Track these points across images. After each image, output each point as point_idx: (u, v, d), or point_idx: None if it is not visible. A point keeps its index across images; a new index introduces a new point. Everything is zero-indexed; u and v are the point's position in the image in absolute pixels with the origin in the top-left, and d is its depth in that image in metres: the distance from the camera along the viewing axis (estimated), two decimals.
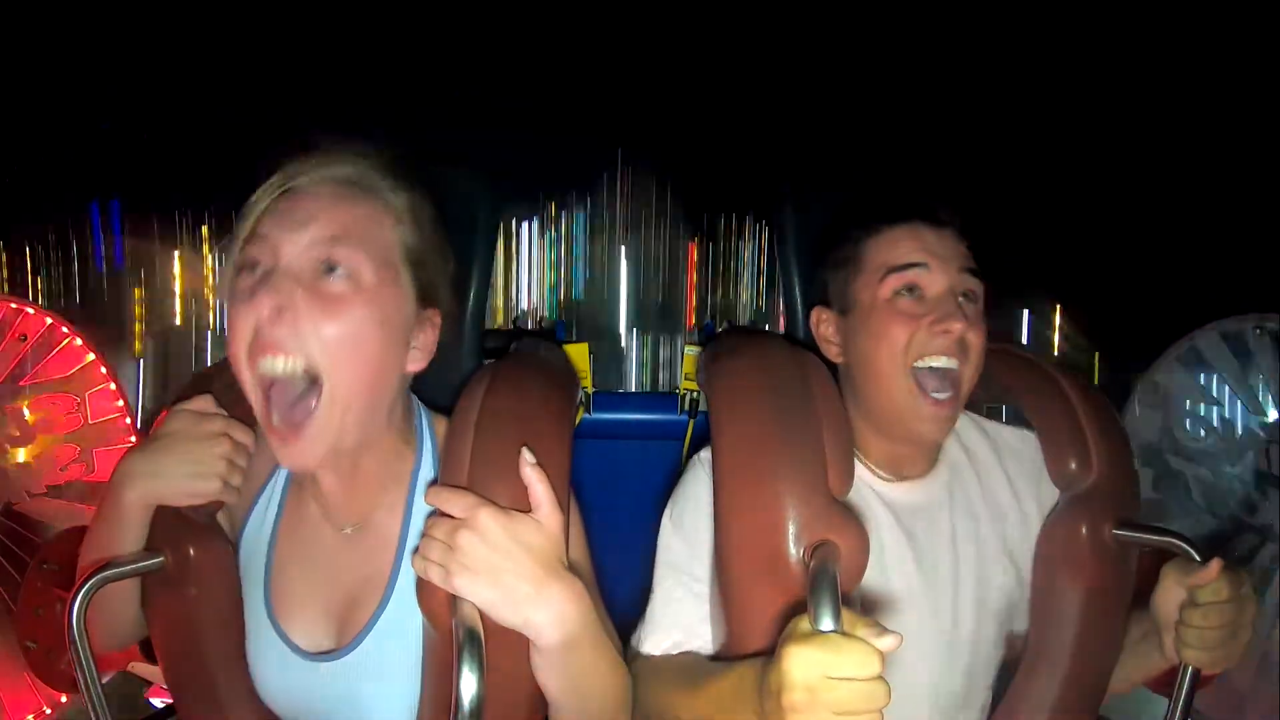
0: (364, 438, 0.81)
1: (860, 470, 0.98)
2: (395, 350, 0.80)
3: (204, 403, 0.89)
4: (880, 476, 1.01)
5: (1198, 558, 0.88)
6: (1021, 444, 1.06)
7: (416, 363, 0.84)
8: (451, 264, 0.89)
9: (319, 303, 0.74)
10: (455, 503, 0.74)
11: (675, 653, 0.93)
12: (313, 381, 0.75)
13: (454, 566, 0.72)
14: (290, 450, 0.76)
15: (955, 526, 1.00)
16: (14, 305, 1.98)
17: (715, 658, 0.90)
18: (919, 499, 1.01)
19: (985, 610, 1.00)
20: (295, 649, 0.86)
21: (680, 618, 0.94)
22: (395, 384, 0.83)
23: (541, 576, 0.73)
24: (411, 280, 0.81)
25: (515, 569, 0.72)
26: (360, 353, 0.76)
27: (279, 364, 0.73)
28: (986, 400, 1.10)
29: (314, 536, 0.89)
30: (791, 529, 0.80)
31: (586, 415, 1.41)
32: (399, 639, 0.83)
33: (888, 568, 0.95)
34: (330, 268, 0.75)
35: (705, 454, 0.98)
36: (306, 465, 0.79)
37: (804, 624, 0.64)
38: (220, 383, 0.93)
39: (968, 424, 1.07)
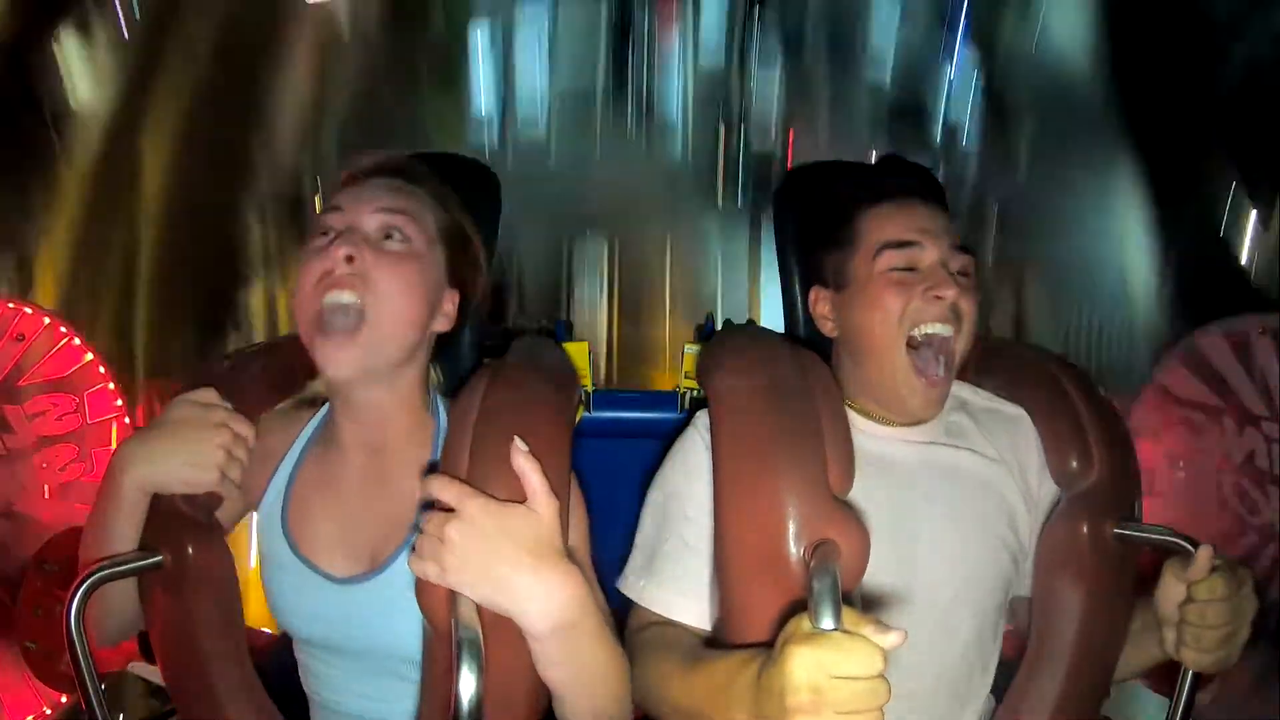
0: (393, 375, 0.92)
1: (851, 417, 0.98)
2: (427, 304, 0.94)
3: (207, 394, 0.92)
4: (869, 419, 1.02)
5: None
6: (1020, 415, 1.07)
7: (440, 325, 0.97)
8: (475, 248, 1.01)
9: (380, 256, 0.89)
10: (447, 491, 0.74)
11: (672, 618, 0.94)
12: (361, 315, 0.88)
13: (447, 560, 0.72)
14: (334, 354, 0.87)
15: (944, 466, 1.00)
16: (11, 305, 1.97)
17: (711, 643, 0.90)
18: (907, 437, 1.01)
19: (978, 551, 0.99)
20: (321, 574, 0.91)
21: (675, 577, 0.94)
22: (423, 334, 0.95)
23: (534, 565, 0.73)
24: (444, 255, 0.96)
25: (506, 559, 0.72)
26: (403, 296, 0.90)
27: (342, 297, 0.87)
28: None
29: (337, 480, 0.95)
30: (792, 527, 0.80)
31: (586, 414, 1.41)
32: None
33: (870, 505, 0.93)
34: (388, 234, 0.91)
35: (702, 418, 0.99)
36: (344, 372, 0.88)
37: (804, 623, 0.64)
38: (226, 377, 0.94)
39: (962, 387, 1.08)
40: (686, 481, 0.97)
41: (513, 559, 0.72)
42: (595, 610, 0.78)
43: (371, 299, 0.87)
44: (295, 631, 0.95)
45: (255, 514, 1.00)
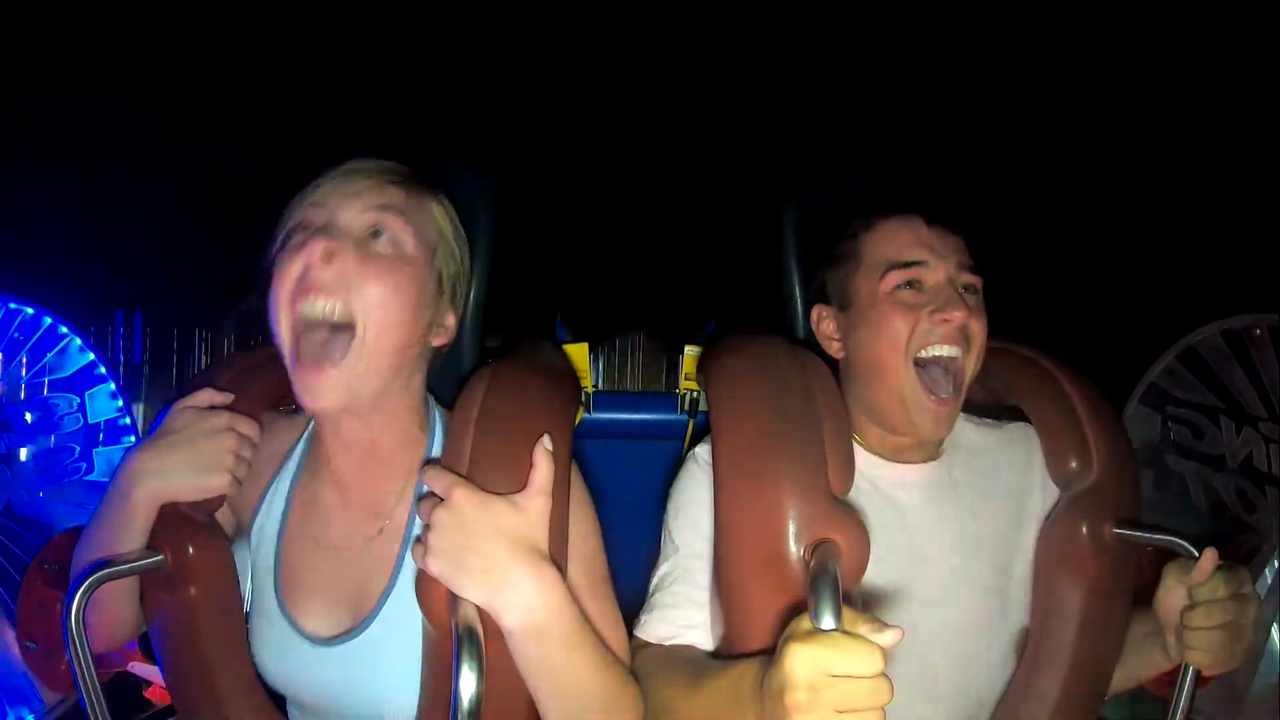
0: (382, 399, 0.84)
1: (857, 453, 0.98)
2: (421, 314, 0.85)
3: (206, 396, 0.91)
4: (878, 457, 1.01)
5: (1197, 556, 0.87)
6: (1023, 436, 1.07)
7: (439, 338, 0.89)
8: (468, 271, 0.94)
9: (365, 259, 0.80)
10: (437, 480, 0.75)
11: (671, 644, 0.93)
12: (345, 327, 0.79)
13: (429, 543, 0.73)
14: (315, 386, 0.79)
15: (954, 511, 1.00)
16: (12, 305, 1.98)
17: (715, 655, 0.90)
18: (917, 480, 1.01)
19: (985, 598, 0.99)
20: (302, 634, 0.88)
21: (679, 611, 0.94)
22: (418, 351, 0.87)
23: (507, 559, 0.73)
24: (440, 266, 0.88)
25: (483, 548, 0.72)
26: (394, 308, 0.81)
27: (320, 306, 0.78)
28: (986, 399, 1.10)
29: (325, 524, 0.91)
30: (792, 527, 0.80)
31: (586, 415, 1.41)
32: (404, 624, 0.84)
33: (880, 550, 0.95)
34: (377, 233, 0.82)
35: (701, 450, 0.99)
36: (326, 404, 0.80)
37: (805, 623, 0.64)
38: (225, 376, 0.94)
39: (966, 421, 1.08)
40: (691, 518, 0.97)
41: (489, 550, 0.72)
42: (573, 623, 0.76)
43: (357, 307, 0.78)
44: (278, 688, 0.92)
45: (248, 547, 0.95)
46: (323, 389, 0.79)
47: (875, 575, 0.92)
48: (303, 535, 0.92)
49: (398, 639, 0.84)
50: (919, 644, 0.94)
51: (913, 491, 1.00)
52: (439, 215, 0.89)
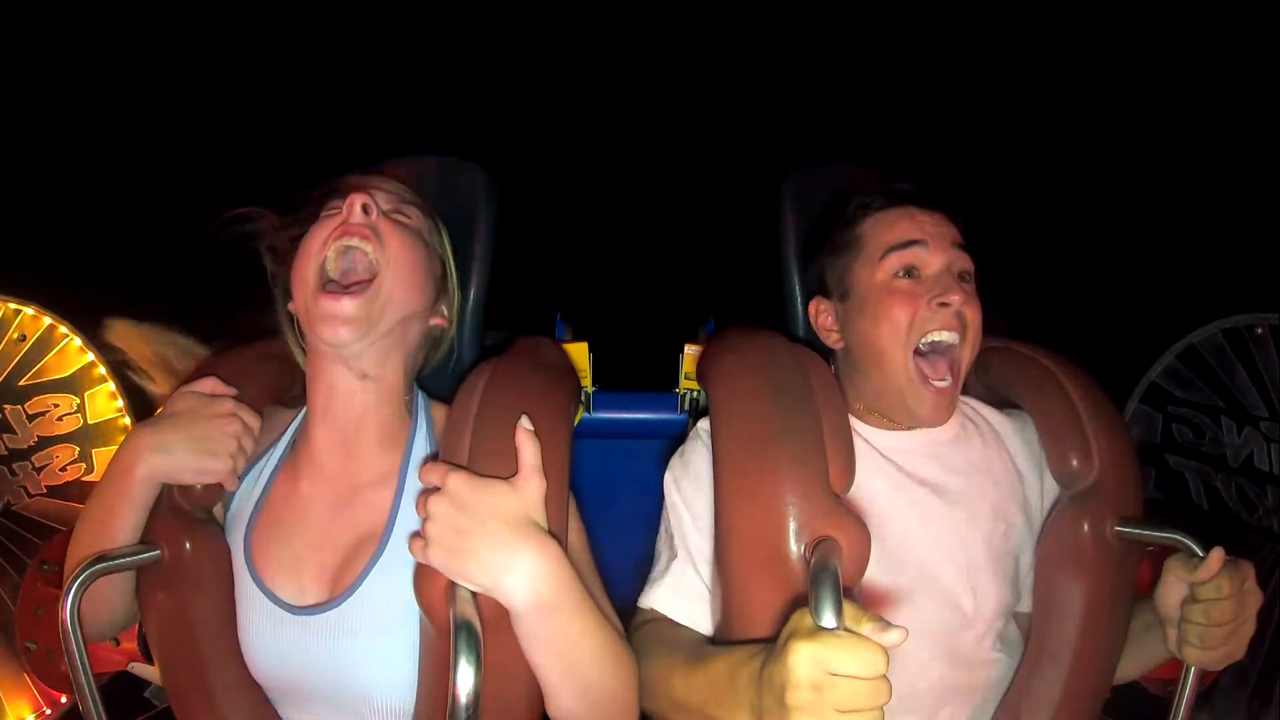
0: (383, 359, 0.90)
1: (855, 425, 0.99)
2: (429, 289, 0.94)
3: (212, 384, 0.92)
4: (875, 428, 1.02)
5: (1200, 554, 0.87)
6: (1022, 421, 1.06)
7: (438, 319, 0.99)
8: (453, 287, 1.03)
9: (392, 221, 0.91)
10: (432, 473, 0.75)
11: (675, 620, 0.93)
12: (370, 268, 0.88)
13: (429, 533, 0.73)
14: (335, 310, 0.84)
15: (954, 476, 1.00)
16: (13, 305, 1.98)
17: (713, 643, 0.90)
18: (916, 444, 1.01)
19: (985, 564, 0.98)
20: (282, 604, 0.88)
21: (678, 583, 0.94)
22: (421, 328, 0.95)
23: (509, 539, 0.73)
24: (438, 261, 0.98)
25: (482, 531, 0.72)
26: (412, 266, 0.90)
27: (354, 242, 0.87)
28: (986, 397, 1.10)
29: (306, 500, 0.91)
30: (792, 525, 0.80)
31: (586, 415, 1.40)
32: (388, 594, 0.84)
33: (882, 511, 0.95)
34: (400, 210, 0.93)
35: (705, 424, 0.99)
36: (343, 332, 0.85)
37: (806, 619, 0.64)
38: (228, 368, 0.94)
39: (966, 403, 1.08)
40: (691, 490, 0.97)
41: (488, 533, 0.72)
42: (579, 594, 0.76)
43: (381, 255, 0.87)
44: (257, 670, 0.90)
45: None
46: (343, 313, 0.84)
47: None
48: (282, 508, 0.92)
49: (381, 610, 0.84)
50: (916, 611, 0.93)
51: (910, 455, 1.00)
52: (434, 226, 0.99)
